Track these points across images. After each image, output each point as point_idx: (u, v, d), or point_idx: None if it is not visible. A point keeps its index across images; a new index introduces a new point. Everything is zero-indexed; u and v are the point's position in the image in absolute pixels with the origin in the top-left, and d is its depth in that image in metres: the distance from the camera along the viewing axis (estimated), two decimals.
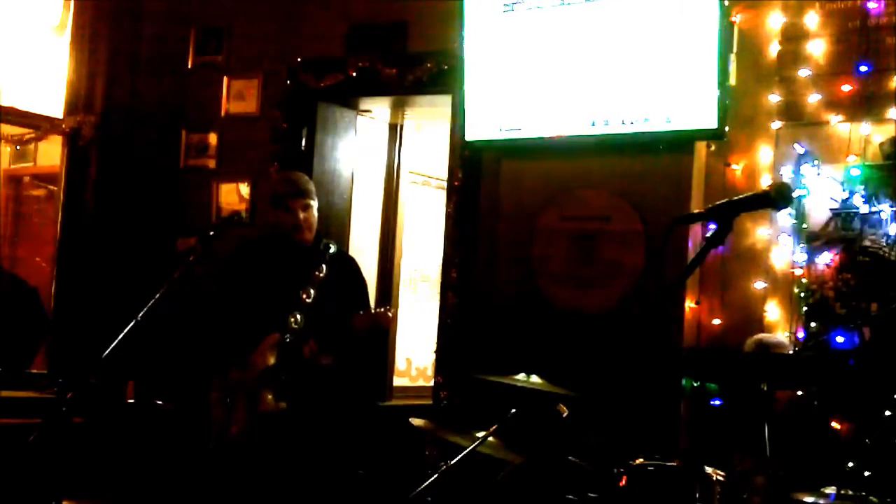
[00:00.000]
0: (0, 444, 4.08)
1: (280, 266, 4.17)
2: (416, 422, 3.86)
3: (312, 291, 4.04)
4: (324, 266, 4.10)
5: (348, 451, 4.84)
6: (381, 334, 4.05)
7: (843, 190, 4.30)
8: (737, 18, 4.57)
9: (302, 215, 4.12)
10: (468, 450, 3.48)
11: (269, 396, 3.93)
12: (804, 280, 4.35)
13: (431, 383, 5.55)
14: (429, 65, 5.37)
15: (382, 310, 3.99)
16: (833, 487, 3.24)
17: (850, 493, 3.22)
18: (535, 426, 3.61)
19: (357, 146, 6.20)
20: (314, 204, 4.20)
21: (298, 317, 4.00)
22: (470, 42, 5.03)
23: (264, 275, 4.18)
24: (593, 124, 4.71)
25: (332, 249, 4.21)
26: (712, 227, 2.44)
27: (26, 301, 5.44)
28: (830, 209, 4.33)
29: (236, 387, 3.97)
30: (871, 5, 4.32)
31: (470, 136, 5.09)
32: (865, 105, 4.30)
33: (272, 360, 3.95)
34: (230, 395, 3.97)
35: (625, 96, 4.61)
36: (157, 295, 3.37)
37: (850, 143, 4.31)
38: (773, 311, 4.44)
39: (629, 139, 4.63)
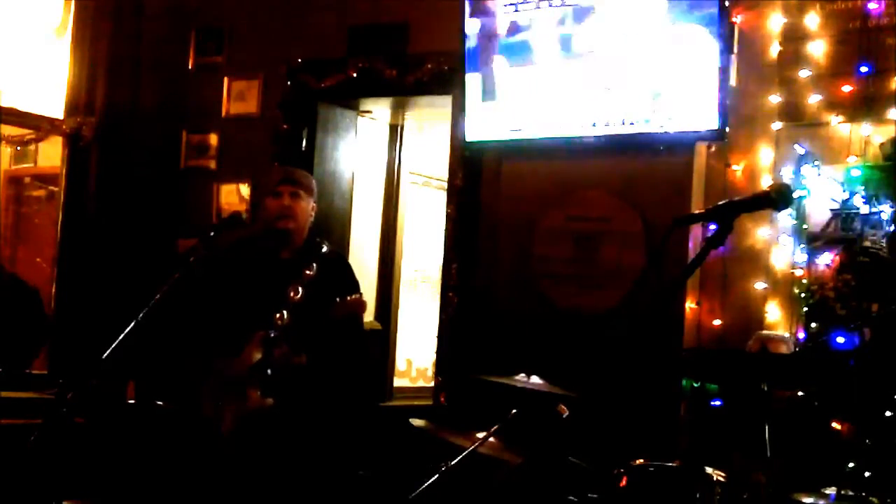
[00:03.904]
0: (0, 444, 4.08)
1: (270, 264, 4.17)
2: (417, 422, 3.86)
3: (301, 289, 4.04)
4: (314, 265, 4.09)
5: (349, 451, 4.84)
6: (356, 320, 4.04)
7: (844, 191, 4.30)
8: (737, 19, 4.57)
9: (287, 201, 4.11)
10: (468, 450, 3.48)
11: (257, 393, 3.93)
12: (804, 281, 4.35)
13: (432, 384, 5.55)
14: (429, 65, 5.37)
15: (356, 296, 3.98)
16: (833, 488, 3.25)
17: (851, 493, 3.22)
18: (536, 427, 3.61)
19: (358, 147, 6.20)
20: (306, 197, 4.17)
21: (285, 313, 3.99)
22: (471, 42, 5.03)
23: (254, 272, 4.17)
24: (594, 125, 4.71)
25: (325, 249, 4.20)
26: (713, 227, 2.44)
27: (27, 301, 5.44)
28: (831, 210, 4.33)
29: (225, 385, 3.97)
30: (871, 6, 4.32)
31: (470, 136, 5.09)
32: (866, 106, 4.30)
33: (258, 356, 3.95)
34: (220, 394, 3.97)
35: (625, 97, 4.62)
36: (158, 296, 3.37)
37: (851, 144, 4.31)
38: (774, 312, 4.44)
39: (630, 140, 4.64)
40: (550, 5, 4.79)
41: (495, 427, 3.54)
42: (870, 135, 4.29)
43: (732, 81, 4.51)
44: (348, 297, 3.93)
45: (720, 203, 2.47)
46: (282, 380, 3.95)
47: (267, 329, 3.97)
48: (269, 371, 3.93)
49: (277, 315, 3.98)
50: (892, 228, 4.12)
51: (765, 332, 4.28)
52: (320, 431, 4.17)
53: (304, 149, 5.85)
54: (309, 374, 3.98)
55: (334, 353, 4.07)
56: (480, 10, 5.00)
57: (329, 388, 4.17)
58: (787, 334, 4.33)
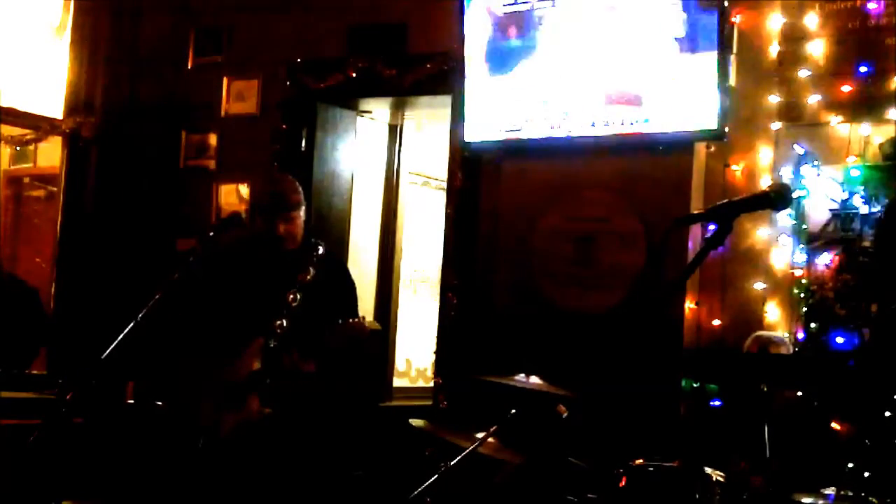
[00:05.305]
0: (0, 444, 4.08)
1: (267, 267, 4.15)
2: (416, 422, 3.86)
3: (298, 294, 4.02)
4: (311, 268, 4.08)
5: (346, 451, 4.84)
6: (358, 346, 3.97)
7: (843, 191, 4.30)
8: (737, 19, 4.57)
9: (283, 228, 4.06)
10: (468, 450, 3.48)
11: (256, 402, 3.91)
12: (804, 281, 4.35)
13: (431, 384, 5.55)
14: (429, 65, 5.37)
15: (357, 320, 3.92)
16: (832, 488, 3.24)
17: (850, 494, 3.22)
18: (535, 427, 3.61)
19: (357, 147, 6.20)
20: (299, 213, 4.11)
21: (284, 321, 3.97)
22: (470, 42, 5.03)
23: (251, 276, 4.16)
24: (593, 125, 4.71)
25: (321, 251, 4.18)
26: (712, 227, 2.44)
27: (26, 301, 5.44)
28: (830, 210, 4.34)
29: (224, 389, 3.96)
30: (870, 6, 4.32)
31: (470, 136, 5.09)
32: (865, 106, 4.30)
33: (257, 365, 3.94)
34: (218, 399, 3.96)
35: (625, 97, 4.61)
36: (157, 296, 3.37)
37: (850, 144, 4.32)
38: (773, 312, 4.44)
39: (629, 140, 4.63)
40: (553, 5, 4.79)
41: (494, 427, 3.53)
42: (869, 135, 4.29)
43: (732, 81, 4.51)
44: (349, 321, 3.88)
45: (719, 203, 2.47)
46: (289, 388, 3.93)
47: (266, 335, 3.96)
48: (268, 380, 3.92)
49: (277, 322, 3.97)
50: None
51: (762, 332, 4.28)
52: (319, 435, 4.17)
53: (303, 149, 5.85)
54: (315, 381, 3.97)
55: (335, 374, 4.06)
56: (479, 8, 5.00)
57: (328, 395, 4.17)
58: (785, 335, 4.34)
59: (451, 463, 3.48)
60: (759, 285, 4.49)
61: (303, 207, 4.16)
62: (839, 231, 4.30)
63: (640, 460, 3.38)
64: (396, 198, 6.61)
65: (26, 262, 6.51)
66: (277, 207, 4.08)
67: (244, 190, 5.92)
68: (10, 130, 5.94)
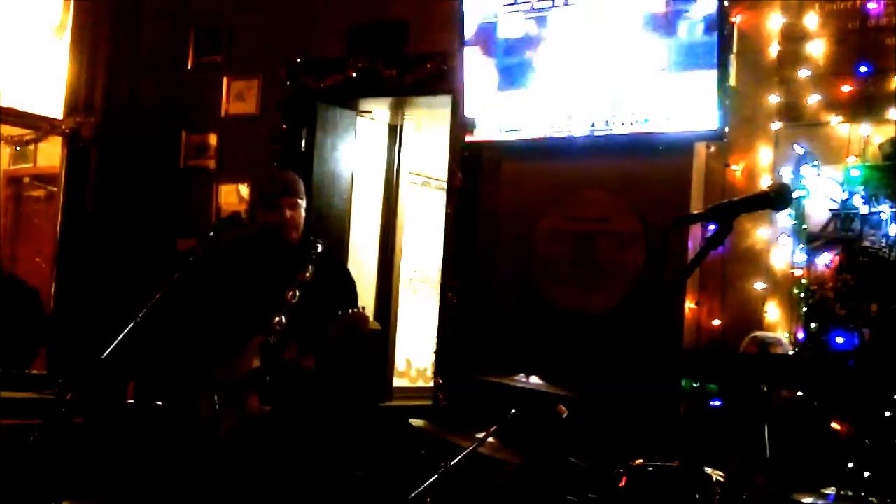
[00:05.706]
0: (0, 444, 4.08)
1: (267, 265, 4.15)
2: (416, 422, 3.86)
3: (297, 292, 4.02)
4: (310, 266, 4.08)
5: (346, 451, 4.83)
6: (360, 336, 3.96)
7: (843, 191, 4.30)
8: (737, 19, 4.57)
9: (289, 213, 4.07)
10: (468, 450, 3.48)
11: (255, 399, 3.91)
12: (804, 281, 4.35)
13: (431, 384, 5.55)
14: (428, 65, 5.37)
15: (356, 310, 3.93)
16: (832, 488, 3.25)
17: (850, 494, 3.22)
18: (535, 427, 3.61)
19: (357, 147, 6.20)
20: (302, 203, 4.15)
21: (283, 318, 3.97)
22: (469, 42, 5.02)
23: (251, 274, 4.16)
24: (593, 125, 4.71)
25: (320, 249, 4.18)
26: (712, 227, 2.44)
27: (26, 301, 5.44)
28: (830, 210, 4.33)
29: (223, 387, 3.96)
30: (870, 6, 4.32)
31: (469, 136, 5.09)
32: (865, 106, 4.29)
33: (257, 363, 3.93)
34: (218, 395, 3.96)
35: (625, 97, 4.61)
36: (157, 296, 3.37)
37: (850, 144, 4.31)
38: (773, 312, 4.44)
39: (629, 140, 4.63)
40: (553, 6, 4.79)
41: (494, 427, 3.54)
42: (869, 135, 4.29)
43: (732, 81, 4.51)
44: (349, 312, 3.88)
45: (719, 203, 2.47)
46: (288, 385, 3.93)
47: (265, 333, 3.96)
48: (267, 378, 3.92)
49: (276, 319, 3.97)
50: None
51: (758, 333, 4.28)
52: (318, 434, 4.17)
53: (303, 149, 5.85)
54: (315, 378, 3.97)
55: (336, 369, 4.06)
56: (479, 9, 4.99)
57: (328, 392, 4.17)
58: (785, 335, 4.33)
59: (451, 463, 3.48)
60: (759, 285, 4.49)
61: (304, 201, 4.19)
62: (839, 231, 4.30)
63: (640, 460, 3.38)
64: (396, 198, 6.61)
65: (26, 262, 6.51)
66: (285, 191, 4.10)
67: (244, 190, 5.92)
68: (10, 130, 5.94)
